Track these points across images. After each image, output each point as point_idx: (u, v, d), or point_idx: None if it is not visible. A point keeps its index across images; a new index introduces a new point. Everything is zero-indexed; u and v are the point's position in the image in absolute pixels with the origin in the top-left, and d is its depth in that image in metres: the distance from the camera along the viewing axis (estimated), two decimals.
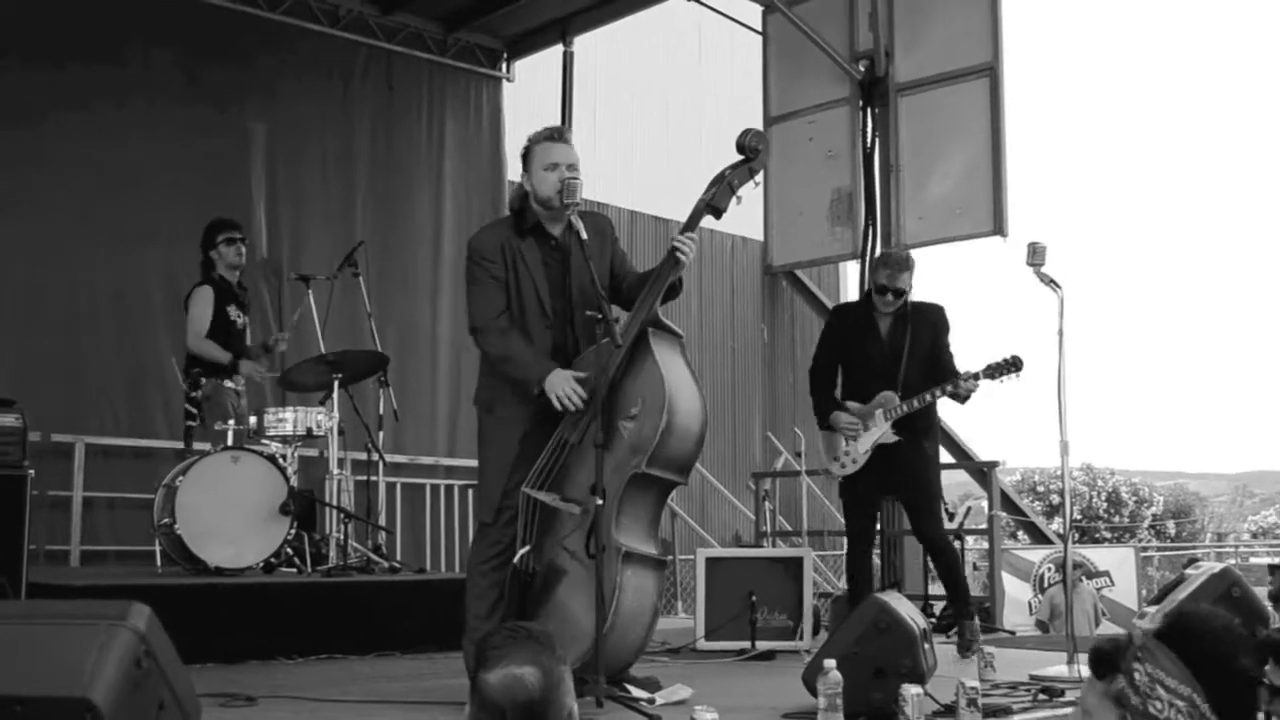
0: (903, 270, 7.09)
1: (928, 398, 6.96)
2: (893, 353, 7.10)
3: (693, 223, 5.28)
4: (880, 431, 7.04)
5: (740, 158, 5.37)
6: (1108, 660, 2.45)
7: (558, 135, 5.38)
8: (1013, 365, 6.84)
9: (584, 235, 5.09)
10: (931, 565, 7.54)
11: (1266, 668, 2.52)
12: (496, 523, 5.25)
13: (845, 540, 7.63)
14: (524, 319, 5.25)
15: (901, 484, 7.20)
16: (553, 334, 5.28)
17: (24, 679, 2.92)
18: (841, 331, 7.37)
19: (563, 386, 5.07)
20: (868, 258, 10.57)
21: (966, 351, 7.22)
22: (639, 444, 5.03)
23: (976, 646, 6.63)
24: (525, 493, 5.14)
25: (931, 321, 7.20)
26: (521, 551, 5.11)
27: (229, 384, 8.07)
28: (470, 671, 2.68)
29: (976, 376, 6.88)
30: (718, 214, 5.33)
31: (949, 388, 6.92)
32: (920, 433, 7.13)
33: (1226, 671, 2.39)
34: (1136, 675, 2.40)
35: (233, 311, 8.27)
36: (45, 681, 2.91)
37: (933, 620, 8.06)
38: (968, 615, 7.15)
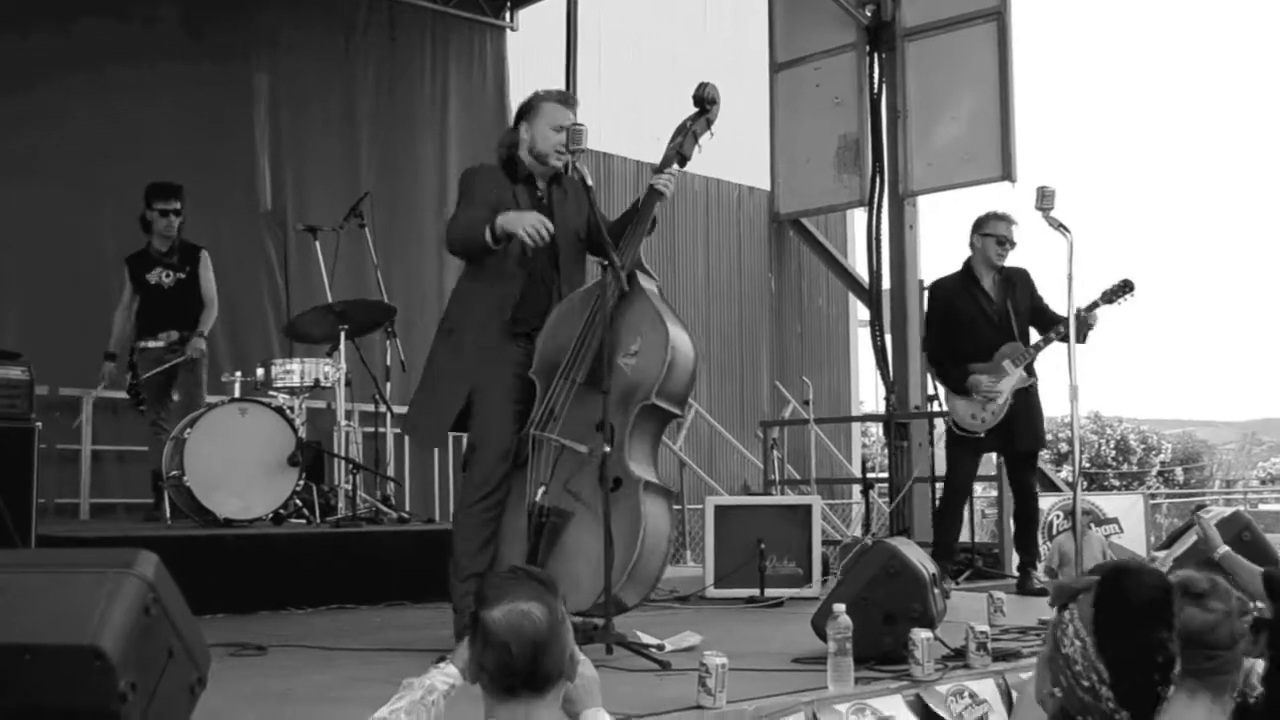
0: (1016, 223, 7.62)
1: (1053, 336, 7.39)
2: (1003, 309, 7.56)
3: (665, 164, 5.47)
4: (1015, 378, 7.47)
5: (696, 110, 5.57)
6: (1069, 595, 2.62)
7: (570, 100, 5.50)
8: (1125, 287, 7.21)
9: (589, 181, 5.13)
10: (1014, 510, 7.92)
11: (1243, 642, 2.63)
12: (473, 466, 5.24)
13: (944, 493, 8.08)
14: (504, 260, 5.21)
15: (1018, 433, 7.58)
16: (528, 275, 5.25)
17: (32, 627, 2.93)
18: (949, 303, 7.73)
19: (526, 221, 5.04)
20: (875, 205, 10.54)
21: None
22: (644, 378, 5.09)
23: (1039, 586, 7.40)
24: (535, 435, 5.14)
25: (1024, 281, 7.70)
26: (540, 491, 5.10)
27: (155, 343, 8.16)
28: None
29: (1096, 305, 7.20)
30: (684, 161, 5.52)
31: (1062, 329, 7.03)
32: (1036, 379, 7.63)
33: (1131, 630, 2.51)
34: (1067, 612, 2.58)
35: (154, 275, 8.23)
36: (53, 629, 2.91)
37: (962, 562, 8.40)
38: (1034, 564, 7.78)
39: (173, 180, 8.34)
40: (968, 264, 7.76)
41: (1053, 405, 7.95)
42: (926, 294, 8.31)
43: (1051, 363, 7.64)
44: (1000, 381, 7.45)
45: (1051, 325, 7.47)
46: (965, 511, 8.28)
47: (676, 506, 6.02)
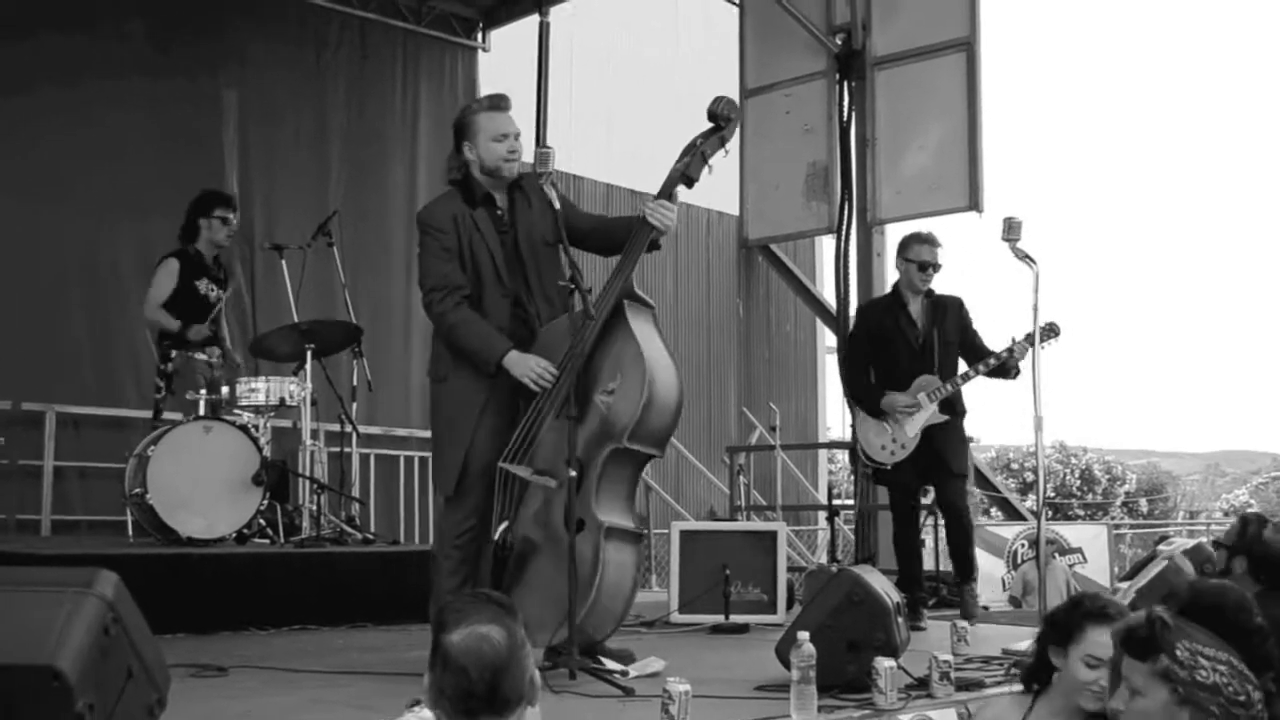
0: (939, 246, 7.36)
1: (971, 374, 7.16)
2: (927, 338, 7.28)
3: (667, 190, 5.25)
4: (928, 413, 7.18)
5: (711, 125, 5.33)
6: (1148, 642, 2.58)
7: (503, 104, 5.37)
8: (1050, 331, 6.89)
9: (556, 205, 5.09)
10: (945, 532, 7.72)
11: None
12: (459, 496, 5.22)
13: (893, 525, 7.69)
14: (480, 289, 5.22)
15: (940, 464, 7.29)
16: (510, 301, 5.25)
17: None
18: (873, 326, 7.51)
19: (529, 366, 5.05)
20: (843, 232, 10.55)
21: None
22: (620, 419, 5.01)
23: (977, 612, 7.11)
24: (502, 467, 5.11)
25: (955, 311, 7.41)
26: (501, 527, 5.08)
27: (201, 356, 7.98)
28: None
29: (1026, 343, 6.89)
30: (690, 183, 5.28)
31: (992, 361, 7.05)
32: (958, 414, 7.34)
33: (1248, 630, 2.55)
34: (1179, 651, 2.54)
35: (203, 286, 8.13)
36: (11, 649, 2.88)
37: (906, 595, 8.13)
38: (972, 579, 7.41)
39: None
40: (895, 287, 7.54)
41: (1017, 435, 7.93)
42: (855, 315, 8.09)
43: (1016, 393, 7.15)
44: (913, 414, 7.21)
45: (981, 358, 7.20)
46: (921, 538, 8.15)
47: (645, 529, 5.98)
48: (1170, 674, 2.55)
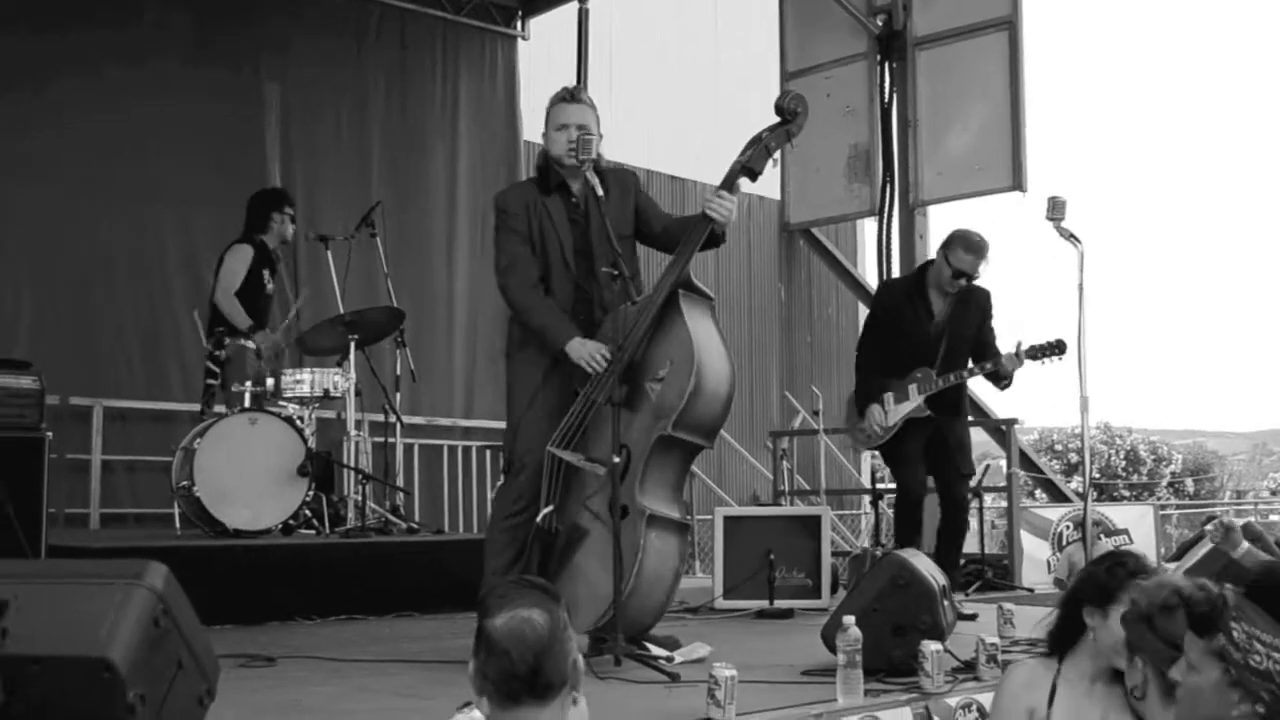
0: (986, 260, 7.02)
1: (964, 374, 7.02)
2: (939, 331, 7.10)
3: (729, 183, 5.26)
4: (913, 405, 7.08)
5: (778, 119, 5.34)
6: (1208, 620, 2.58)
7: (569, 95, 5.42)
8: (1056, 348, 6.83)
9: (599, 191, 5.11)
10: (942, 519, 7.42)
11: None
12: (513, 474, 5.26)
13: (897, 496, 7.61)
14: (549, 273, 5.30)
15: (940, 458, 7.22)
16: (575, 286, 5.31)
17: (41, 638, 2.92)
18: (890, 307, 7.36)
19: (588, 351, 5.10)
20: (885, 215, 10.52)
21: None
22: (665, 406, 5.03)
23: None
24: (550, 451, 5.14)
25: (980, 304, 7.21)
26: (545, 511, 5.10)
27: (250, 345, 8.00)
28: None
29: (1019, 357, 6.89)
30: (753, 176, 5.32)
31: (989, 366, 6.97)
32: (958, 412, 7.22)
33: None
34: (1235, 633, 2.51)
35: (266, 276, 8.23)
36: (63, 641, 2.90)
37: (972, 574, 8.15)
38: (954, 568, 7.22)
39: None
40: (923, 271, 7.37)
41: (1063, 416, 7.85)
42: (875, 292, 7.87)
43: (1060, 374, 7.10)
44: (897, 404, 7.12)
45: (990, 358, 7.03)
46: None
47: (691, 524, 5.97)
48: (1225, 653, 2.53)
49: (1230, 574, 3.21)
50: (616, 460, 4.82)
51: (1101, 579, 3.57)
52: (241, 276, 8.10)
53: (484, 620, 2.63)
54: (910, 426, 7.13)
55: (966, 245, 7.00)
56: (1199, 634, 2.59)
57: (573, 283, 5.30)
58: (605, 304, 5.26)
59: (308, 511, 7.72)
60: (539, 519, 5.11)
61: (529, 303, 5.26)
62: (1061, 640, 3.67)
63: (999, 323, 7.28)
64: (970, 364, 7.06)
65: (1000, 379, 7.03)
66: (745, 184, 5.36)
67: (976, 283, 7.19)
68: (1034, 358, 6.90)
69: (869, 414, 7.20)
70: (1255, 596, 2.56)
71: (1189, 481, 44.84)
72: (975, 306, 7.19)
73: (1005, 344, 7.16)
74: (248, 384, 7.63)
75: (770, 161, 5.32)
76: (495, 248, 5.44)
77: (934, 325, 7.12)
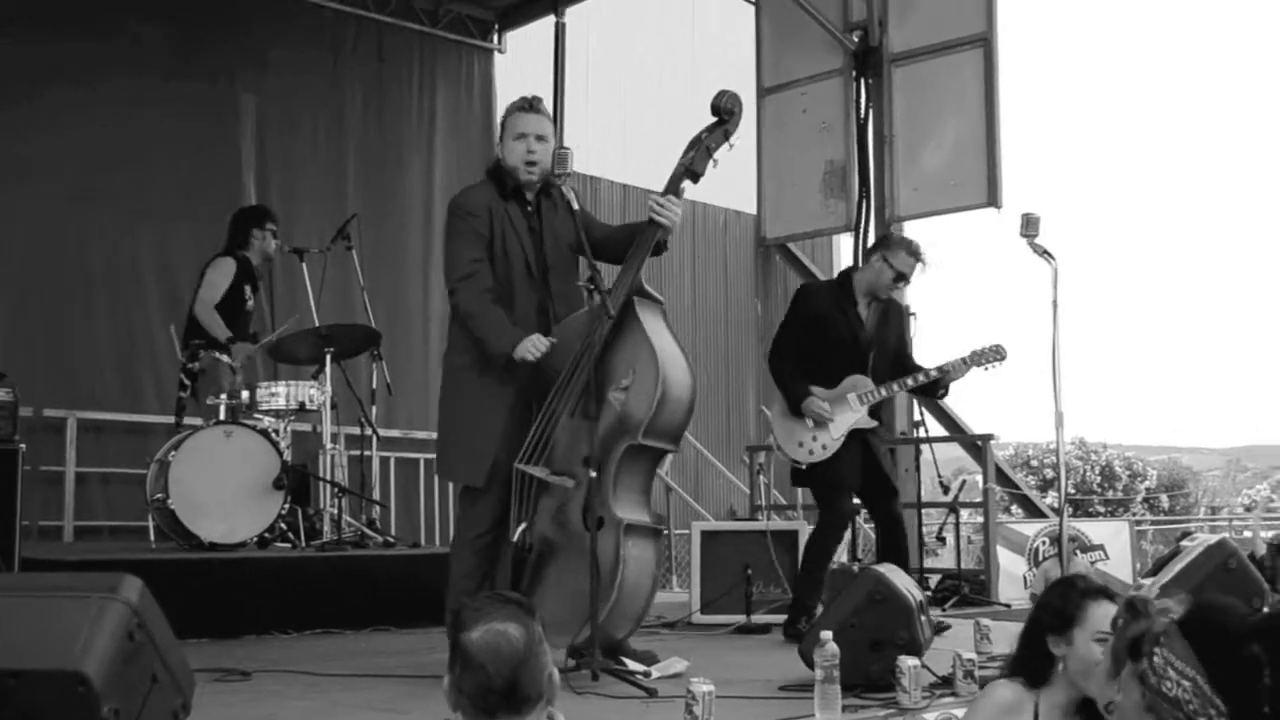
0: (925, 263, 6.84)
1: (909, 383, 6.76)
2: (869, 340, 6.83)
3: (672, 186, 5.27)
4: (857, 416, 6.71)
5: (715, 120, 5.34)
6: (1135, 643, 2.58)
7: (528, 105, 5.40)
8: (996, 354, 6.67)
9: (575, 205, 5.10)
10: (882, 537, 7.06)
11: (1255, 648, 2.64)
12: (480, 494, 5.23)
13: (819, 523, 7.02)
14: (510, 278, 5.26)
15: (877, 477, 6.86)
16: (537, 294, 5.28)
17: (16, 652, 2.91)
18: (816, 312, 6.91)
19: (531, 343, 5.07)
20: (861, 230, 10.54)
21: (960, 325, 7.18)
22: (633, 416, 5.01)
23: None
24: (518, 468, 5.11)
25: (898, 316, 7.01)
26: (520, 529, 5.08)
27: (224, 359, 7.97)
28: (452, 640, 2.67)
29: (965, 362, 6.70)
30: (695, 178, 5.31)
31: (933, 373, 6.69)
32: (881, 424, 6.99)
33: (1234, 659, 2.54)
34: (1155, 658, 2.54)
35: (247, 292, 8.21)
36: (38, 654, 2.89)
37: (928, 593, 8.01)
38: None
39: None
40: (847, 277, 7.03)
41: (1038, 432, 7.82)
42: (793, 297, 7.26)
43: (1035, 389, 6.95)
44: (839, 414, 6.70)
45: (909, 371, 6.78)
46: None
47: (663, 525, 5.95)
48: (1144, 677, 2.55)
49: (1206, 590, 3.22)
50: (593, 474, 4.82)
51: (1057, 605, 3.54)
52: (223, 290, 8.07)
53: (459, 634, 2.62)
54: (847, 443, 6.73)
55: (909, 249, 6.82)
56: (1130, 657, 2.62)
57: (535, 291, 5.28)
58: (558, 316, 5.27)
59: (283, 525, 7.69)
60: (514, 536, 5.08)
61: (479, 308, 5.18)
62: (1035, 674, 3.56)
63: (959, 340, 7.19)
64: (918, 372, 6.76)
65: (939, 387, 6.89)
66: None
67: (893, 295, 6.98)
68: (976, 364, 6.67)
69: (809, 407, 6.70)
70: (1184, 626, 2.60)
71: (1164, 497, 45.04)
72: (894, 320, 6.97)
73: (946, 349, 7.02)
74: (222, 396, 7.60)
75: (711, 162, 5.30)
76: (449, 249, 5.35)
77: (865, 334, 6.83)
